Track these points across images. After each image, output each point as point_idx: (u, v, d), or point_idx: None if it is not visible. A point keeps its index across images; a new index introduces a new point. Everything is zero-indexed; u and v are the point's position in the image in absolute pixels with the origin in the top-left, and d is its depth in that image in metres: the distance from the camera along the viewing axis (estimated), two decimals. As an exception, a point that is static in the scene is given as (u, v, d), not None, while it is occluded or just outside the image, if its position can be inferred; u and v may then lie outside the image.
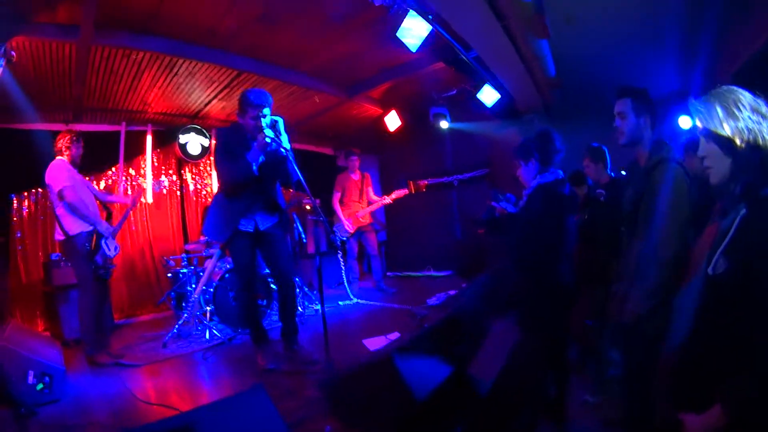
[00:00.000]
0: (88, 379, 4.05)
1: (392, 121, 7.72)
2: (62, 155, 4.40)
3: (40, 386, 3.42)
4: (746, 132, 1.42)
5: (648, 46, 4.79)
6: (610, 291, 2.93)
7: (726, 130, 1.45)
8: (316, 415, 2.93)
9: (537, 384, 2.65)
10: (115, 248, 4.60)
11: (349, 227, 7.06)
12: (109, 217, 4.66)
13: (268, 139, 3.58)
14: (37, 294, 5.89)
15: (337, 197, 7.16)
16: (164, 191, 4.80)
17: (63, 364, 3.73)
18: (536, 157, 2.92)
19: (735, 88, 1.50)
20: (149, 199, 7.07)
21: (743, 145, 1.42)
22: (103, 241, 4.44)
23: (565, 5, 4.20)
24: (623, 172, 3.84)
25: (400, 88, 7.19)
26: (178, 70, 5.53)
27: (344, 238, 7.12)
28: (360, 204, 7.17)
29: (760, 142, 1.41)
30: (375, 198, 7.24)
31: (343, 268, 7.22)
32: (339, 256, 7.27)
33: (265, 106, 3.69)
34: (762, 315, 1.23)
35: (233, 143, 3.80)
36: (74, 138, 4.47)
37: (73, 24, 4.35)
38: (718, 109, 1.47)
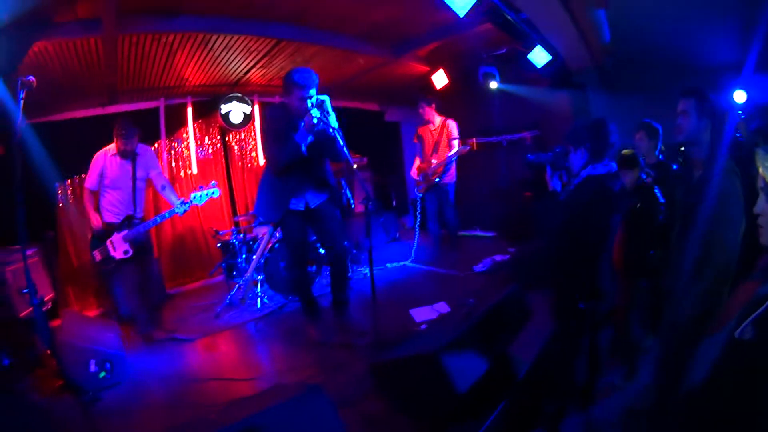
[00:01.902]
0: (145, 358, 4.37)
1: (439, 79, 7.79)
2: (114, 141, 4.65)
3: (102, 374, 3.71)
4: None
5: (706, 15, 4.65)
6: (653, 283, 3.06)
7: None
8: (364, 394, 3.16)
9: (568, 370, 2.80)
10: (126, 252, 4.59)
11: (421, 185, 6.85)
12: (129, 221, 4.70)
13: (315, 120, 3.69)
14: (89, 274, 6.20)
15: (418, 151, 7.02)
16: (215, 194, 4.87)
17: (122, 348, 4.03)
18: (587, 147, 2.88)
19: None
20: (194, 169, 7.42)
21: None
22: (108, 240, 4.58)
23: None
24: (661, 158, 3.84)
25: (447, 47, 7.15)
26: (213, 45, 5.61)
27: (419, 196, 7.04)
28: (436, 159, 6.69)
29: None
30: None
31: (417, 228, 7.33)
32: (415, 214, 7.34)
33: (311, 87, 3.77)
34: None
35: (281, 124, 3.93)
36: (119, 132, 4.56)
37: (95, 18, 4.41)
38: None
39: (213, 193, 4.84)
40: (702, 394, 1.46)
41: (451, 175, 6.74)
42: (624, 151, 3.47)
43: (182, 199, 4.72)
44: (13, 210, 2.95)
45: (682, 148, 3.09)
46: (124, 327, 4.78)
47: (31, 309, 3.66)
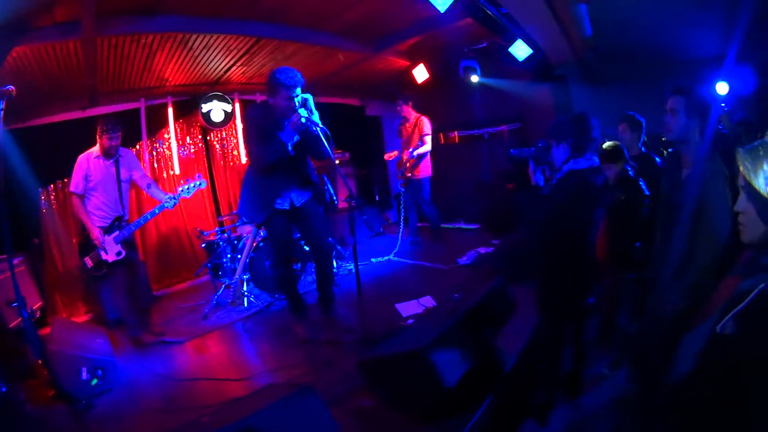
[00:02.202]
0: (136, 362, 4.35)
1: (420, 73, 7.83)
2: (97, 143, 4.58)
3: (94, 381, 3.70)
4: None
5: (687, 9, 4.72)
6: (638, 276, 3.11)
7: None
8: (353, 390, 3.21)
9: (555, 361, 2.87)
10: (119, 253, 4.54)
11: (401, 178, 7.18)
12: (119, 222, 4.65)
13: (303, 119, 3.70)
14: (75, 279, 6.08)
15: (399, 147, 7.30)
16: (202, 185, 4.93)
17: (113, 354, 4.04)
18: (569, 141, 2.92)
19: None
20: (176, 169, 7.36)
21: None
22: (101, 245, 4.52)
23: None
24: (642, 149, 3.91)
25: (428, 42, 7.17)
26: (192, 45, 5.57)
27: (401, 190, 7.32)
28: (406, 154, 7.07)
29: None
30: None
31: (401, 223, 7.45)
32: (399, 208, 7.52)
33: (297, 86, 3.78)
34: (755, 381, 1.25)
35: (265, 123, 3.93)
36: (104, 128, 4.48)
37: (73, 20, 4.33)
38: (766, 168, 1.36)
39: (200, 184, 4.90)
40: (686, 386, 1.47)
41: (424, 171, 7.03)
42: (607, 145, 3.51)
43: (170, 194, 4.73)
44: (-3, 220, 2.93)
45: (663, 138, 3.13)
46: (114, 332, 4.76)
47: (20, 319, 3.62)
